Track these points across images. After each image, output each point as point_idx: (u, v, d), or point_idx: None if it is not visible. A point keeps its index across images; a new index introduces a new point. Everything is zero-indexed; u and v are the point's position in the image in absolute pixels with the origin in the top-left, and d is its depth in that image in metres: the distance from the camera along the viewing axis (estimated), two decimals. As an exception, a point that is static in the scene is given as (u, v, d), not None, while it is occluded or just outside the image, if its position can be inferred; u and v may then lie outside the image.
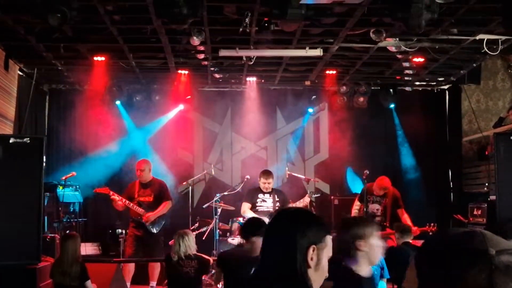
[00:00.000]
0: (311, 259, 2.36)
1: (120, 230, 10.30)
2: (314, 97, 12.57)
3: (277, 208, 9.79)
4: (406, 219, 9.91)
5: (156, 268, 9.83)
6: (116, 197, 9.75)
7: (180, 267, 7.25)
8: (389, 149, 12.60)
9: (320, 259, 2.40)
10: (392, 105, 12.42)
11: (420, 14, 6.66)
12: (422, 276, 1.48)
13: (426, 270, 1.46)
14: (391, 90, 12.27)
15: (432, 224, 9.71)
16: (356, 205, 10.20)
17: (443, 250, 1.42)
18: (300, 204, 9.82)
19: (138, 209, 9.69)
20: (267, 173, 9.99)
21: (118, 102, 12.06)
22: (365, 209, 9.86)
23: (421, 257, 1.51)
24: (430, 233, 9.56)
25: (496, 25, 8.28)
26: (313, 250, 2.37)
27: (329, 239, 2.47)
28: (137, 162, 10.21)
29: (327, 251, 2.45)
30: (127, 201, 9.73)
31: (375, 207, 9.99)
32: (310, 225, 2.44)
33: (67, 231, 9.96)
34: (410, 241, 7.78)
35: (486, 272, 1.33)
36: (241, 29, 8.11)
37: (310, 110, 12.68)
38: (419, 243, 7.34)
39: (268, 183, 9.87)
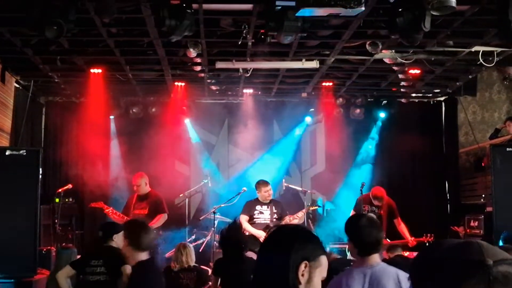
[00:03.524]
0: (302, 275, 2.31)
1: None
2: (312, 110, 12.57)
3: (274, 220, 9.77)
4: (403, 229, 9.89)
5: None
6: (110, 211, 9.72)
7: (179, 279, 7.26)
8: (386, 160, 12.59)
9: (311, 277, 2.34)
10: (388, 117, 12.44)
11: (414, 26, 6.70)
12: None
13: (422, 282, 1.45)
14: (387, 102, 12.30)
15: (429, 235, 9.70)
16: None
17: (440, 261, 1.41)
18: (297, 218, 9.79)
19: None
20: (265, 183, 9.97)
21: (111, 117, 12.07)
22: None
23: (417, 269, 1.50)
24: (427, 244, 9.55)
25: (492, 37, 8.31)
26: (305, 266, 2.32)
27: (324, 259, 2.41)
28: (133, 177, 10.17)
29: (321, 271, 2.39)
30: (121, 215, 9.70)
31: None
32: (305, 241, 2.40)
33: (63, 244, 9.92)
34: (401, 253, 7.81)
35: (484, 283, 1.32)
36: (241, 42, 8.12)
37: (308, 119, 12.68)
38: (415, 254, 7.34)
39: (269, 191, 9.86)
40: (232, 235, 7.69)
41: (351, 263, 5.90)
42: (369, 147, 12.67)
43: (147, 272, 4.81)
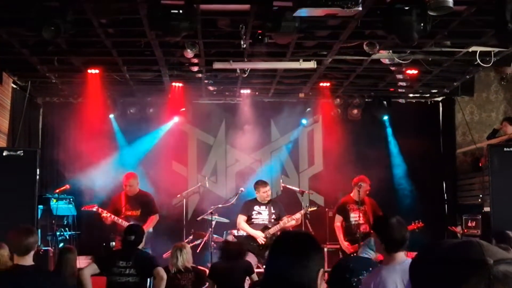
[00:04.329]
0: (318, 281, 2.44)
1: (114, 243, 10.23)
2: (308, 109, 12.59)
3: (272, 220, 9.77)
4: None
5: None
6: (104, 214, 9.68)
7: (177, 280, 7.24)
8: (383, 161, 12.58)
9: (320, 283, 2.48)
10: (385, 118, 12.47)
11: (412, 27, 6.70)
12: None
13: (422, 282, 1.45)
14: (385, 102, 12.30)
15: (417, 221, 9.73)
16: (338, 220, 10.16)
17: (440, 261, 1.41)
18: (295, 219, 9.78)
19: (126, 224, 9.58)
20: (264, 183, 9.98)
21: (111, 116, 12.06)
22: (346, 223, 9.97)
23: (417, 269, 1.50)
24: (417, 230, 9.58)
25: (489, 37, 8.32)
26: (321, 273, 2.46)
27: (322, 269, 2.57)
28: (124, 176, 10.15)
29: (323, 280, 2.54)
30: (115, 217, 9.66)
31: (356, 215, 9.96)
32: (318, 250, 2.55)
33: (61, 244, 9.90)
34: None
35: (484, 282, 1.32)
36: (243, 44, 8.11)
37: (304, 121, 12.70)
38: (412, 254, 7.32)
39: (268, 192, 9.86)
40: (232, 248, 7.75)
41: (371, 263, 5.91)
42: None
43: (20, 277, 4.77)
